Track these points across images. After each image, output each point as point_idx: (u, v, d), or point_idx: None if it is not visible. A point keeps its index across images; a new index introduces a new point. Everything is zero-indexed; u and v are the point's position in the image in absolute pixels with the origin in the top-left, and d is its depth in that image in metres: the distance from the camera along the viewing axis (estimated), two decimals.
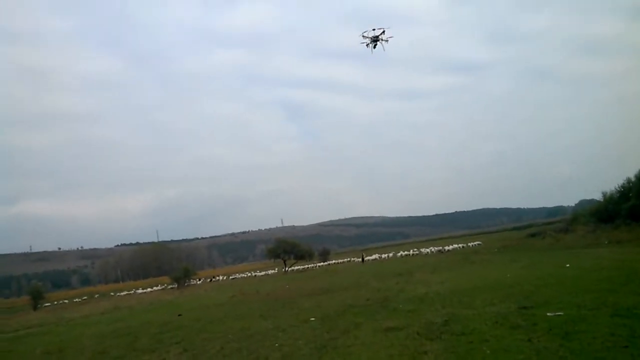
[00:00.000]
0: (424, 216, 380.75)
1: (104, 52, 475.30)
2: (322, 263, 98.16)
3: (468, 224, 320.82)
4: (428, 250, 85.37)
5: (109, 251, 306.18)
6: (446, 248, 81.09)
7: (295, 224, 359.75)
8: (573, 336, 10.76)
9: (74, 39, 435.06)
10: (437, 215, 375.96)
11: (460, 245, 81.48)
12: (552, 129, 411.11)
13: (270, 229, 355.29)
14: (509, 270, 28.55)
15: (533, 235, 76.67)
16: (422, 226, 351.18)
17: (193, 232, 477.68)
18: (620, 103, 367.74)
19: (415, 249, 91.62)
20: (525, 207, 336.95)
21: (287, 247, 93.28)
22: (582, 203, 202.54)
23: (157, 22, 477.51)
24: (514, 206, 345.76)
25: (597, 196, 67.05)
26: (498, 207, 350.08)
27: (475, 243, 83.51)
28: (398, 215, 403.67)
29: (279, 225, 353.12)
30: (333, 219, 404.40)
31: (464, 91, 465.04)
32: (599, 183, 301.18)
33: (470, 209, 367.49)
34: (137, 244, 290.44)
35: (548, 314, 13.65)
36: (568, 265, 26.50)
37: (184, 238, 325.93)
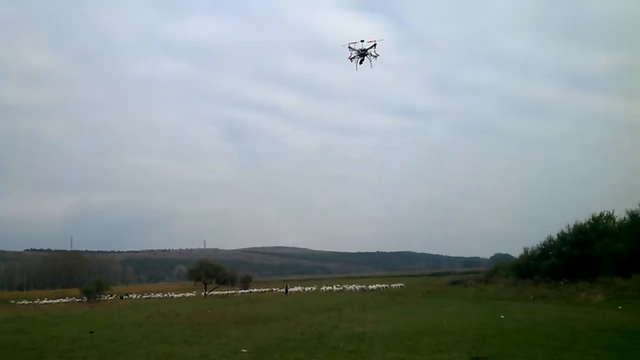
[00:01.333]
0: (347, 253, 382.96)
1: (47, 44, 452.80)
2: (243, 290, 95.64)
3: (389, 265, 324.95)
4: (352, 287, 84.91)
5: (17, 255, 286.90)
6: (370, 287, 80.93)
7: (219, 247, 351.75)
8: None
9: (15, 27, 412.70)
10: (360, 253, 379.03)
11: (384, 285, 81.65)
12: (479, 182, 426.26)
13: (191, 250, 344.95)
14: (442, 315, 28.05)
15: (455, 283, 77.91)
16: (343, 263, 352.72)
17: (110, 245, 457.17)
18: (547, 166, 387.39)
19: (338, 285, 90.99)
20: (444, 254, 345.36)
21: (210, 269, 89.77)
22: (498, 256, 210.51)
23: (108, 22, 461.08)
24: (434, 252, 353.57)
25: (512, 251, 69.09)
26: (419, 251, 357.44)
27: (398, 285, 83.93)
28: (322, 249, 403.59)
29: (201, 247, 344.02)
30: (257, 245, 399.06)
31: (403, 134, 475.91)
32: (514, 239, 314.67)
33: (392, 250, 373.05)
34: (49, 250, 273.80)
35: None
36: (503, 316, 26.27)
37: (100, 250, 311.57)
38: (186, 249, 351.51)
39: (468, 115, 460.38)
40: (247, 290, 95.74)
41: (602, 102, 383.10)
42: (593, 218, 59.08)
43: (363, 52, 31.59)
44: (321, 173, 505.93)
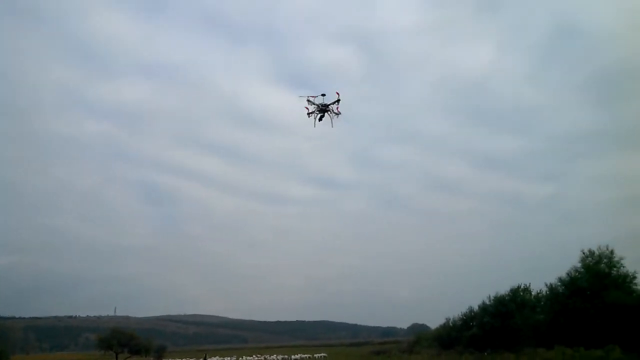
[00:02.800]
0: (265, 322, 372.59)
1: None
2: None
3: (307, 334, 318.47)
4: (273, 357, 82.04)
5: None
6: (292, 357, 78.37)
7: (130, 315, 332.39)
8: None
9: None
10: (278, 322, 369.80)
11: (306, 355, 79.19)
12: (397, 253, 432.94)
13: (100, 317, 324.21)
14: None
15: (378, 353, 77.01)
16: (261, 332, 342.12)
17: (11, 309, 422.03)
18: (460, 239, 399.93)
19: (259, 355, 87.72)
20: (362, 324, 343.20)
21: (122, 338, 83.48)
22: (415, 326, 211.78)
23: (34, 80, 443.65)
24: (352, 322, 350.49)
25: (428, 322, 70.25)
26: (337, 320, 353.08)
27: (321, 355, 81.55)
28: (240, 317, 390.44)
29: (111, 314, 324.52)
30: (172, 313, 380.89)
31: (323, 204, 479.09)
32: (430, 310, 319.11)
33: (311, 319, 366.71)
34: None
35: None
36: None
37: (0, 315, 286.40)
38: (94, 316, 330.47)
39: (386, 189, 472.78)
40: None
41: (508, 182, 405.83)
42: (512, 290, 60.58)
43: (324, 108, 29.00)
44: (241, 240, 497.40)
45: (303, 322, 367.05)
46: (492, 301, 60.31)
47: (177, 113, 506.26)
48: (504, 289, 60.26)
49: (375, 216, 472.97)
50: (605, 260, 48.63)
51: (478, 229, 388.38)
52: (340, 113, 29.26)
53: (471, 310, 66.01)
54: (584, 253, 50.06)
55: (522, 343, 50.93)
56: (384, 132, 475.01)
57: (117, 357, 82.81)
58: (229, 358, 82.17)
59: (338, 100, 28.93)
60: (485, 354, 52.64)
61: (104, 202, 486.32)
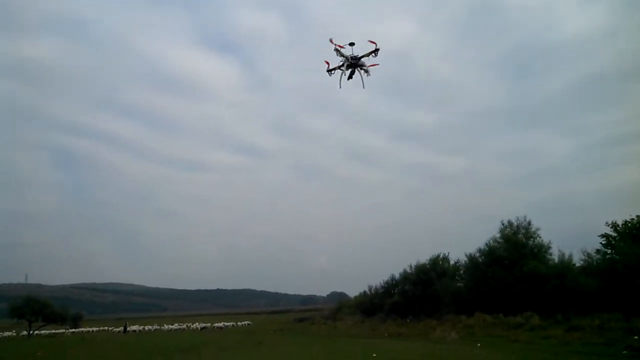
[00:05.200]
0: (185, 290, 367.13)
1: None
2: (74, 330, 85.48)
3: (229, 302, 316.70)
4: (195, 325, 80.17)
5: None
6: (215, 325, 76.85)
7: (42, 283, 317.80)
8: None
9: None
10: (199, 290, 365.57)
11: (230, 323, 77.92)
12: (316, 223, 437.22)
13: (10, 284, 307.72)
14: (315, 356, 26.11)
15: (301, 320, 76.89)
16: (181, 300, 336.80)
17: None
18: (378, 209, 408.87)
19: (180, 323, 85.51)
20: (283, 292, 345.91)
21: (36, 306, 79.06)
22: (334, 295, 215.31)
23: None
24: (273, 290, 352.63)
25: (347, 290, 70.52)
26: (258, 289, 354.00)
27: (245, 323, 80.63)
28: (158, 286, 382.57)
29: (22, 281, 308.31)
30: (87, 281, 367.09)
31: (244, 173, 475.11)
32: (348, 278, 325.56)
33: (232, 288, 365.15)
34: None
35: None
36: (375, 355, 25.05)
37: None
38: (4, 284, 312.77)
39: (306, 158, 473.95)
40: (78, 330, 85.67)
41: (423, 154, 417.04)
42: (432, 259, 61.63)
43: (354, 61, 22.12)
44: (160, 207, 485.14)
45: (224, 290, 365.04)
46: (413, 269, 61.19)
47: (92, 74, 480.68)
48: (423, 258, 61.08)
49: (295, 185, 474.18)
50: (522, 231, 50.04)
51: (394, 199, 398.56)
52: (369, 71, 22.48)
53: (393, 278, 66.79)
54: (502, 224, 51.25)
55: (443, 310, 51.90)
56: (306, 101, 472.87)
57: (30, 326, 78.24)
58: (149, 326, 79.40)
59: (376, 51, 21.71)
60: (407, 320, 53.39)
61: (7, 166, 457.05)
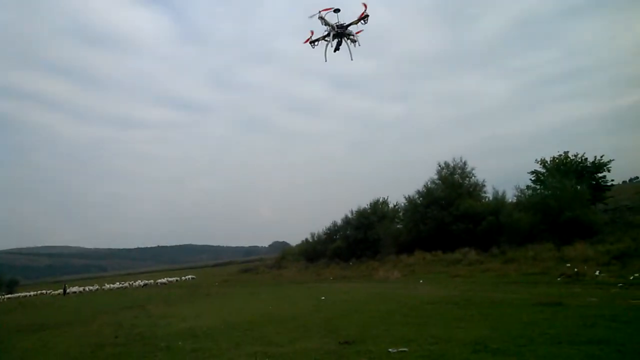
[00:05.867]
0: (124, 249, 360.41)
1: None
2: (9, 295, 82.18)
3: (170, 259, 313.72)
4: (138, 282, 78.77)
5: None
6: (158, 281, 75.67)
7: None
8: None
9: None
10: (138, 249, 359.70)
11: (174, 278, 76.89)
12: (257, 175, 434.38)
13: None
14: (263, 303, 25.95)
15: (246, 271, 76.92)
16: (121, 259, 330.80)
17: None
18: (319, 159, 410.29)
19: (122, 282, 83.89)
20: (225, 245, 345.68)
21: None
22: (275, 244, 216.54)
23: None
24: (215, 244, 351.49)
25: (288, 239, 70.72)
26: (200, 243, 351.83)
27: (189, 277, 79.86)
28: (97, 246, 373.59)
29: None
30: (21, 246, 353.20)
31: (182, 128, 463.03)
32: (289, 227, 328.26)
33: (173, 244, 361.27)
34: None
35: (390, 350, 11.18)
36: (324, 298, 25.15)
37: None
38: None
39: (246, 111, 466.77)
40: (14, 295, 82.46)
41: (362, 102, 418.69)
42: (372, 203, 62.45)
43: (341, 30, 19.38)
44: (96, 167, 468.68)
45: (165, 247, 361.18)
46: (354, 215, 61.92)
47: (17, 31, 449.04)
48: (364, 204, 61.74)
49: (236, 139, 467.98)
50: (459, 171, 51.38)
51: (336, 147, 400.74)
52: (357, 40, 19.63)
53: (335, 224, 67.44)
54: (439, 165, 52.43)
55: (384, 252, 53.02)
56: (244, 52, 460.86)
57: None
58: (90, 287, 77.28)
59: (365, 17, 18.87)
60: (350, 263, 54.29)
61: None
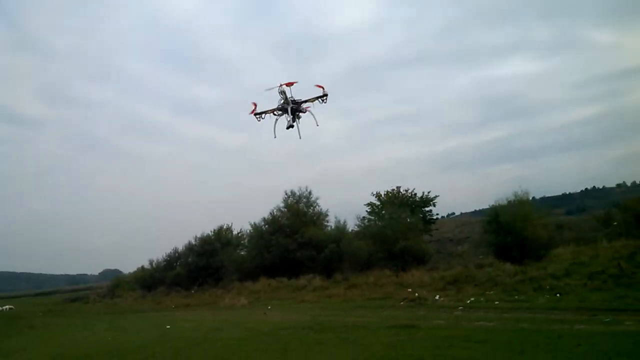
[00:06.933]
0: None
1: None
2: None
3: None
4: None
5: None
6: None
7: None
8: None
9: None
10: None
11: None
12: (88, 198, 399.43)
13: None
14: (100, 334, 23.32)
15: (74, 300, 70.20)
16: None
17: None
18: (157, 183, 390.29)
19: None
20: (48, 272, 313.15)
21: None
22: (107, 272, 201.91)
23: None
24: (36, 271, 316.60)
25: (121, 267, 66.87)
26: (19, 271, 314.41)
27: (6, 307, 70.33)
28: None
29: None
30: None
31: (5, 143, 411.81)
32: (122, 255, 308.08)
33: None
34: None
35: None
36: (169, 326, 23.34)
37: None
38: None
39: (80, 130, 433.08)
40: None
41: (204, 129, 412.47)
42: (216, 230, 60.77)
43: (295, 107, 18.35)
44: None
45: None
46: (197, 241, 59.63)
47: None
48: (207, 230, 59.79)
49: (65, 158, 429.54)
50: (304, 200, 52.02)
51: (176, 173, 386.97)
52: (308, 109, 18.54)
53: (176, 251, 64.30)
54: (286, 193, 52.71)
55: (227, 279, 51.60)
56: (83, 67, 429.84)
57: None
58: None
59: (324, 97, 18.30)
60: (192, 291, 51.89)
61: None
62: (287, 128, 18.58)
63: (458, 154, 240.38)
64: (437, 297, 25.04)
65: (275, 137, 18.77)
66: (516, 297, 22.67)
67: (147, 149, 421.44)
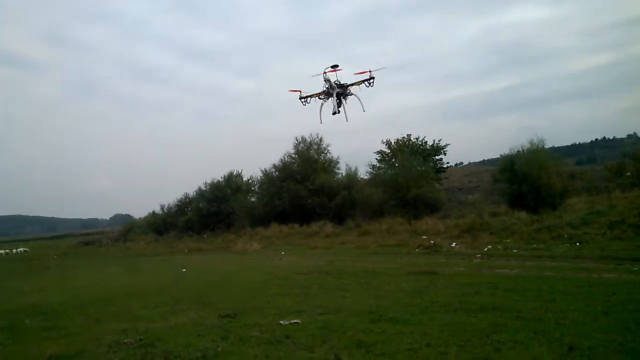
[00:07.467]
0: None
1: None
2: None
3: None
4: None
5: None
6: None
7: None
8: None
9: None
10: None
11: (3, 251, 68.20)
12: (97, 143, 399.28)
13: None
14: (116, 276, 23.30)
15: (87, 243, 70.91)
16: None
17: None
18: (164, 129, 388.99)
19: None
20: (60, 217, 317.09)
21: None
22: (117, 217, 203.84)
23: None
24: (48, 215, 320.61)
25: (131, 211, 66.86)
26: (31, 215, 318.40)
27: (20, 250, 71.30)
28: None
29: None
30: None
31: (7, 86, 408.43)
32: (132, 200, 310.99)
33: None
34: None
35: (281, 322, 9.97)
36: (184, 269, 23.28)
37: None
38: None
39: (81, 72, 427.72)
40: None
41: (211, 74, 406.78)
42: (226, 176, 60.49)
43: (340, 90, 17.93)
44: None
45: None
46: (207, 187, 59.49)
47: None
48: (216, 176, 59.51)
49: (71, 102, 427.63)
50: (315, 147, 51.39)
51: (183, 119, 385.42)
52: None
53: (187, 196, 64.48)
54: (297, 140, 52.02)
55: (238, 224, 51.72)
56: (82, 7, 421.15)
57: None
58: None
59: (371, 79, 17.69)
60: (205, 235, 52.18)
61: None
62: (333, 114, 18.37)
63: (465, 104, 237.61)
64: (453, 244, 24.78)
65: (321, 122, 18.86)
66: (534, 245, 22.31)
67: (152, 94, 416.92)
